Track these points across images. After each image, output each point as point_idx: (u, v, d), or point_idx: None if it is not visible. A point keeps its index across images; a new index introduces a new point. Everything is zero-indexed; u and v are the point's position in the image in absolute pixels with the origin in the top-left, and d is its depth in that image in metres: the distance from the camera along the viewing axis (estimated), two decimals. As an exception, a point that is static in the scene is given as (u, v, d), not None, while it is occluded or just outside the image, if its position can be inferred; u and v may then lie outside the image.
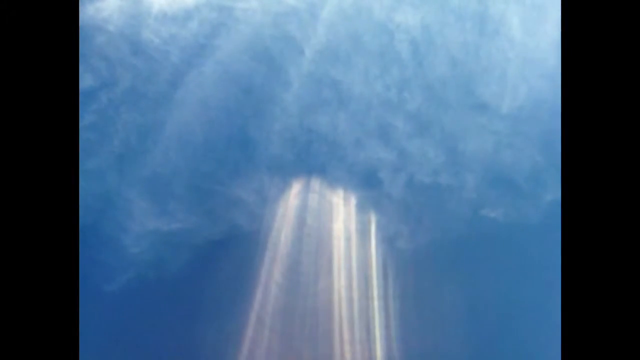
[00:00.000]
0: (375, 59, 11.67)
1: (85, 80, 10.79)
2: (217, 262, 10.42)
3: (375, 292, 10.59)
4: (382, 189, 11.05)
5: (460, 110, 11.50)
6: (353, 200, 10.99)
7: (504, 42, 11.68)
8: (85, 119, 10.67)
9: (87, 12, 11.00)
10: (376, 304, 10.53)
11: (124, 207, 10.53)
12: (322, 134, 11.25)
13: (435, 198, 11.04)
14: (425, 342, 10.14)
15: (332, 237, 10.88)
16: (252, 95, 11.32)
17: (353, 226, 10.89)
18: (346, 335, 10.31)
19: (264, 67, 11.40)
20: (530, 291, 10.36)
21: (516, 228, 10.66)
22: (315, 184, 11.08)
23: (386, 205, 10.97)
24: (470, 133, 11.34)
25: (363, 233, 10.88)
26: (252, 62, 11.40)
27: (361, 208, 10.97)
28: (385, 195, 11.02)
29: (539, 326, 10.13)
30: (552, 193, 10.81)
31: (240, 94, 11.32)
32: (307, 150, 11.20)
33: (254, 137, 11.14)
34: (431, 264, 10.57)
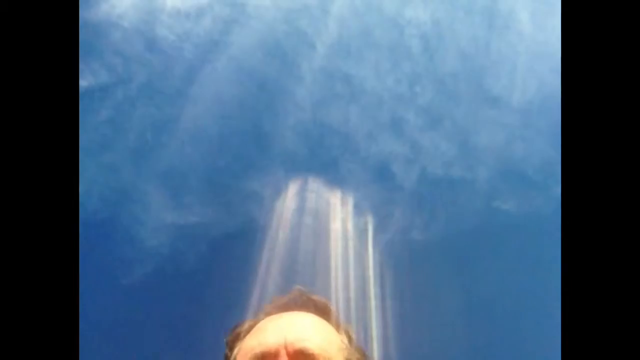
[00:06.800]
0: (386, 53, 11.75)
1: (101, 76, 10.91)
2: (233, 255, 10.56)
3: (378, 287, 10.66)
4: (395, 181, 11.14)
5: (471, 103, 11.57)
6: (365, 194, 11.07)
7: (513, 36, 11.73)
8: (102, 114, 10.80)
9: (102, 9, 11.13)
10: (388, 297, 10.59)
11: (141, 201, 10.66)
12: (335, 127, 11.35)
13: (448, 190, 11.13)
14: (427, 341, 10.18)
15: (338, 232, 10.95)
16: (265, 90, 11.43)
17: (366, 219, 10.97)
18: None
19: (277, 62, 11.49)
20: (543, 283, 10.43)
21: (529, 219, 10.74)
22: (327, 177, 11.17)
23: (399, 197, 11.08)
24: (481, 126, 11.41)
25: (375, 226, 10.94)
26: (265, 58, 11.50)
27: (374, 201, 11.05)
28: (398, 188, 11.12)
29: (552, 320, 10.18)
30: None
31: (253, 89, 11.43)
32: (320, 144, 11.31)
33: (268, 131, 11.25)
34: (445, 256, 10.66)
